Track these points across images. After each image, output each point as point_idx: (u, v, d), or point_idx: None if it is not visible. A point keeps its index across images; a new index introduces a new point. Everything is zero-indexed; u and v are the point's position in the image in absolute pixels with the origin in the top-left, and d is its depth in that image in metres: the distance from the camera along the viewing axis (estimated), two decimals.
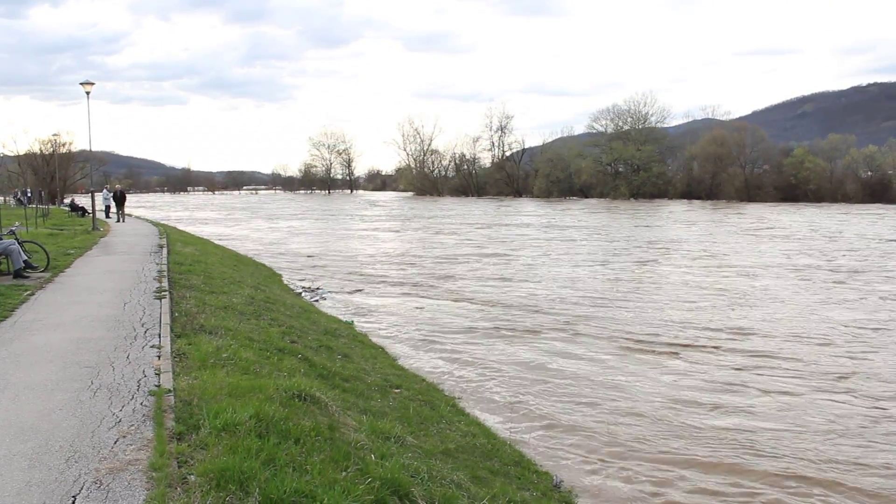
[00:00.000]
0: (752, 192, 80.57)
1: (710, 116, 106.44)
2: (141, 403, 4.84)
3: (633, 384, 9.74)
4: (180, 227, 35.29)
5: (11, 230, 12.95)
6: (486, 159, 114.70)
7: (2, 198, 53.99)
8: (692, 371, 10.45)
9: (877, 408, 8.85)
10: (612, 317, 14.39)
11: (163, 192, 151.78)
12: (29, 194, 42.88)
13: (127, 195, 36.48)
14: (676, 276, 20.62)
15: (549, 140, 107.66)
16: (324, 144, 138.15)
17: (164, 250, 15.93)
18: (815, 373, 10.37)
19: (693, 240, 32.94)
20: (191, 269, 12.80)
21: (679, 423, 8.18)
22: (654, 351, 11.66)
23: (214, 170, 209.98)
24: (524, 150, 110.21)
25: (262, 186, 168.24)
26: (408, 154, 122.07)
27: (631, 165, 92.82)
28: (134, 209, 47.47)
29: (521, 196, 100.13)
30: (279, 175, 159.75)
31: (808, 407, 8.88)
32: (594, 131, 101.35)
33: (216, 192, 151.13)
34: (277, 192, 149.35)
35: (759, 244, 30.45)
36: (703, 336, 12.67)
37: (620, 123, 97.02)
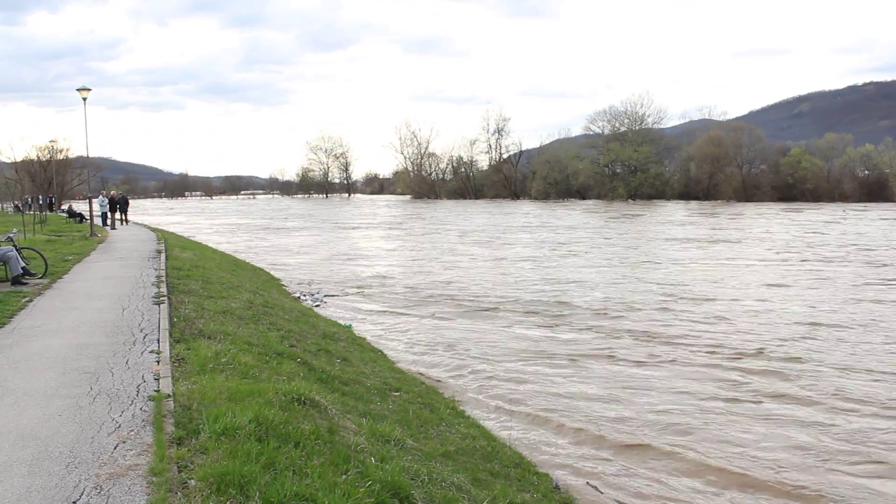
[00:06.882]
0: (749, 192, 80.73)
1: (706, 117, 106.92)
2: (140, 409, 4.84)
3: (635, 386, 9.74)
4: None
5: (9, 237, 12.94)
6: (483, 162, 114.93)
7: (0, 205, 53.85)
8: (694, 374, 10.45)
9: None
10: (611, 318, 14.41)
11: (160, 197, 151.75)
12: (41, 201, 42.52)
13: (130, 200, 36.61)
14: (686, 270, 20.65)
15: (547, 142, 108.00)
16: (321, 148, 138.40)
17: (163, 255, 15.91)
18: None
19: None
20: (189, 274, 12.78)
21: (683, 428, 8.16)
22: (657, 352, 11.67)
23: (212, 174, 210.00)
24: (521, 153, 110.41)
25: (260, 191, 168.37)
26: (405, 157, 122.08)
27: (628, 167, 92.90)
28: (136, 216, 47.26)
29: (518, 198, 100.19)
30: (277, 179, 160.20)
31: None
32: (591, 133, 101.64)
33: (213, 197, 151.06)
34: (275, 196, 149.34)
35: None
36: (705, 336, 12.69)
37: (617, 125, 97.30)
